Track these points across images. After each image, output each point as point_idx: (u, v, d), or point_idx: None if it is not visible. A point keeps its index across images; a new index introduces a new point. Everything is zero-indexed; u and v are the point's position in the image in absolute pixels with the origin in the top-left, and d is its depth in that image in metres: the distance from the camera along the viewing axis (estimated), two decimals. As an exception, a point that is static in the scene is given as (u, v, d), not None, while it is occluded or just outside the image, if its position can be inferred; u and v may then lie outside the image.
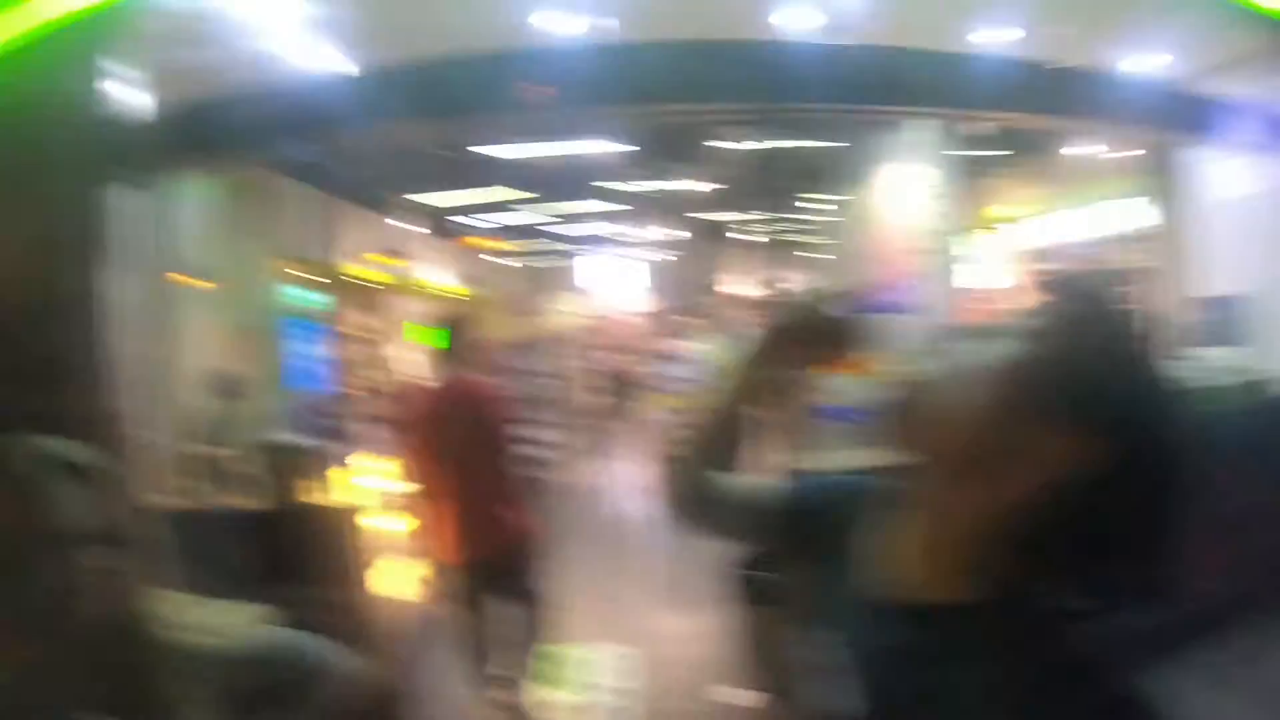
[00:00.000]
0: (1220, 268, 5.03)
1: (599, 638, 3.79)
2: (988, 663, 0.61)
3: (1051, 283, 0.59)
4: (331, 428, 4.75)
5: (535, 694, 3.08)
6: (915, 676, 0.65)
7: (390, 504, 3.52)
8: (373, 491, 3.63)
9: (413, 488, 2.92)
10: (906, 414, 0.67)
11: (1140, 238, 6.74)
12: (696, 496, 0.93)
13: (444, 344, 2.97)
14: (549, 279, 15.91)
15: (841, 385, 3.56)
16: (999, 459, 0.61)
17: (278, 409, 4.95)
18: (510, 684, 2.95)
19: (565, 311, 15.64)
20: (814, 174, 6.40)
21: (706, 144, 6.51)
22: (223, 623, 2.18)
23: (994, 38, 3.92)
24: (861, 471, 0.78)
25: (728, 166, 4.34)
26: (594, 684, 3.38)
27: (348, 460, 3.66)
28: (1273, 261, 4.59)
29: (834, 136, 4.79)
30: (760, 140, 3.13)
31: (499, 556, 2.84)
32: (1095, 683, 0.62)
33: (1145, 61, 4.45)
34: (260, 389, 4.88)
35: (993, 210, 8.64)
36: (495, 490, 2.85)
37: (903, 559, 0.69)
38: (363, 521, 3.24)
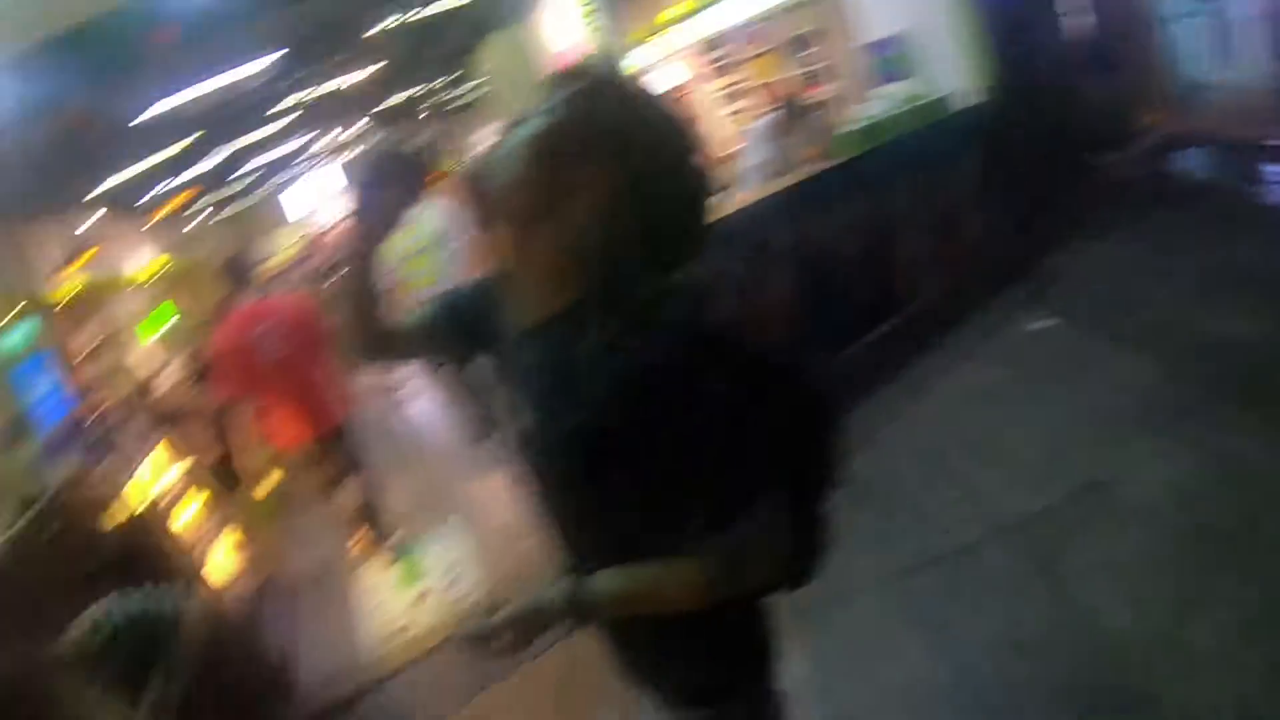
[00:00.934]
0: (879, 14, 5.68)
1: (424, 521, 3.92)
2: (599, 343, 0.80)
3: (565, 72, 0.77)
4: (98, 445, 4.59)
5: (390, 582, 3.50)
6: (554, 374, 0.84)
7: (183, 491, 3.76)
8: (167, 485, 3.74)
9: (252, 405, 3.52)
10: (476, 190, 0.87)
11: (800, 5, 7.44)
12: (364, 337, 1.10)
13: (228, 278, 3.43)
14: (258, 220, 14.65)
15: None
16: (547, 202, 0.82)
17: (37, 455, 4.42)
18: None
19: (286, 246, 14.38)
20: (474, 29, 6.25)
21: (359, 34, 6.11)
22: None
23: None
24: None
25: (386, 48, 4.19)
26: (430, 569, 3.52)
27: (128, 467, 3.66)
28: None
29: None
30: (406, 14, 3.03)
31: (338, 429, 3.52)
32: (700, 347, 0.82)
33: None
34: (9, 441, 4.35)
35: (656, 14, 8.71)
36: (320, 376, 3.44)
37: (516, 297, 0.91)
38: (170, 514, 3.49)
